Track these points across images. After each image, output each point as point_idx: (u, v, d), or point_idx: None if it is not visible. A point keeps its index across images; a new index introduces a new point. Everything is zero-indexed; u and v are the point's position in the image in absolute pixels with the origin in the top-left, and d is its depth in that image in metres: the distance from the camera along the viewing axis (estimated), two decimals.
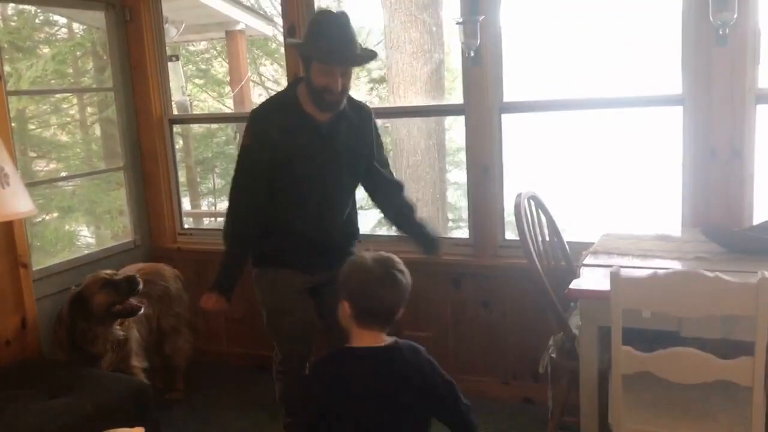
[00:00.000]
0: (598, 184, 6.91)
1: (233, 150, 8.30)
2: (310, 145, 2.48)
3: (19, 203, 2.28)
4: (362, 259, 1.89)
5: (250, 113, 2.56)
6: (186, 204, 7.68)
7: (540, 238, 2.73)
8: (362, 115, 2.64)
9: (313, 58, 2.39)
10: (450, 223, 6.92)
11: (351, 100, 2.60)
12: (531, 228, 2.65)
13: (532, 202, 2.75)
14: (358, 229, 2.77)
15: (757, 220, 2.69)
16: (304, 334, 2.67)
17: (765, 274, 1.84)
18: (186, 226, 4.00)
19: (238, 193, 2.57)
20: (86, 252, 3.78)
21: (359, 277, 1.85)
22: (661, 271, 1.96)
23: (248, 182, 2.52)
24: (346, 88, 2.44)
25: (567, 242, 2.89)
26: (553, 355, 2.57)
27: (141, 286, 2.90)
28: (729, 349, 1.96)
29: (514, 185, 3.13)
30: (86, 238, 7.35)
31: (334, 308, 2.05)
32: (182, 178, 6.60)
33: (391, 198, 2.77)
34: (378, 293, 1.82)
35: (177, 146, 4.12)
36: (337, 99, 2.44)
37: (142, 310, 2.93)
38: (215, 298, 2.55)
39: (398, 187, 2.78)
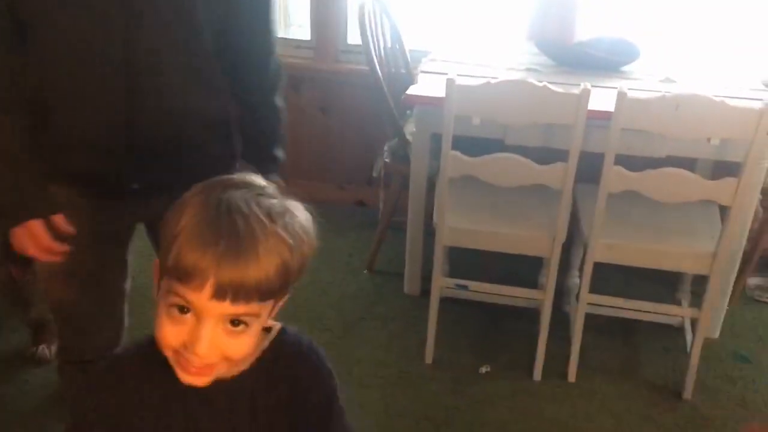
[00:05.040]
0: None
1: None
2: None
3: None
4: None
5: None
6: None
7: (382, 44, 2.69)
8: None
9: None
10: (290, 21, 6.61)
11: None
12: (374, 32, 2.59)
13: (377, 6, 2.67)
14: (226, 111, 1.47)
15: (587, 37, 2.79)
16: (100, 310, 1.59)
17: (587, 86, 1.94)
18: None
19: None
20: None
21: None
22: (492, 80, 2.01)
23: None
24: None
25: (408, 50, 2.87)
26: (387, 160, 2.65)
27: None
28: (546, 157, 2.10)
29: None
30: None
31: None
32: None
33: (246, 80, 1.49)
34: None
35: None
36: None
37: None
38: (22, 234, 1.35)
39: (269, 71, 1.51)
